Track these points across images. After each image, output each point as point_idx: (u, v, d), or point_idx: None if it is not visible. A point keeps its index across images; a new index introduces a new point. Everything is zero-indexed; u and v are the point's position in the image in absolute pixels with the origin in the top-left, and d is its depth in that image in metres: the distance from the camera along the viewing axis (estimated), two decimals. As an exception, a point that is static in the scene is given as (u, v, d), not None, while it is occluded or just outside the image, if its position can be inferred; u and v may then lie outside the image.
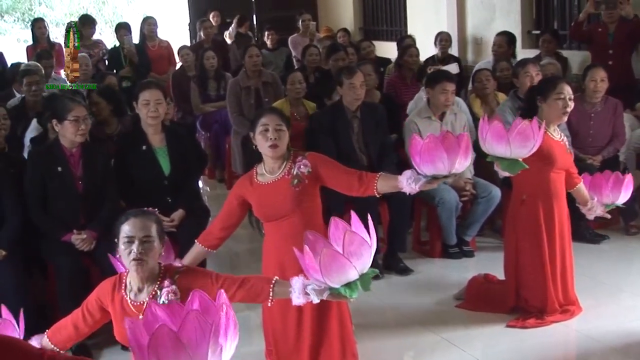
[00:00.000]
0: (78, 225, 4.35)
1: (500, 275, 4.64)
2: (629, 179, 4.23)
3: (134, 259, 2.88)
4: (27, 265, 4.33)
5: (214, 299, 2.56)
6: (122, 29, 8.84)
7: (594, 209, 4.30)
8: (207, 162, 6.21)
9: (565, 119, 4.41)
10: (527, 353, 4.06)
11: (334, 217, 2.94)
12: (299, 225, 3.57)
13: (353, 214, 2.87)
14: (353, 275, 2.78)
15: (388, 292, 4.95)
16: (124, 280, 3.02)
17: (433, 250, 5.58)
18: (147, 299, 2.92)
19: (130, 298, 2.96)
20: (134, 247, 2.89)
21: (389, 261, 5.30)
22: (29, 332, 4.05)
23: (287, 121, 3.67)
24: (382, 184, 3.49)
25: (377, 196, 3.69)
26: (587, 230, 5.58)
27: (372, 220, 5.45)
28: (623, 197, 4.26)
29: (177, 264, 3.60)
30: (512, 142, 3.74)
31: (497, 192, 5.47)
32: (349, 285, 2.78)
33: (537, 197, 4.31)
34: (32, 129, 5.49)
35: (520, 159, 3.83)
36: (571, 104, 4.31)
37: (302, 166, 3.60)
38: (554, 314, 4.36)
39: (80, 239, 4.29)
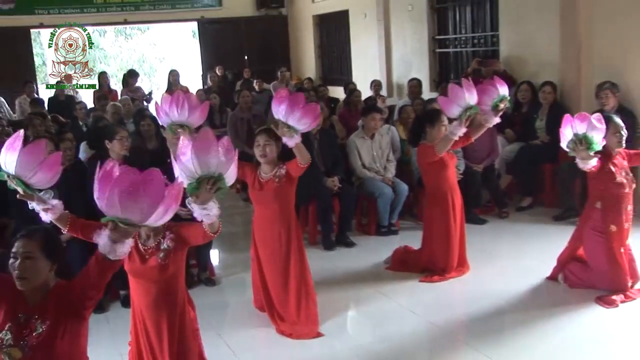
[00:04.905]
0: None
1: (416, 247, 4.65)
2: (497, 79, 3.98)
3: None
4: (91, 246, 4.21)
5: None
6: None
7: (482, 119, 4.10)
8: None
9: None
10: (436, 299, 4.10)
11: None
12: (277, 211, 3.64)
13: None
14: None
15: (339, 259, 4.94)
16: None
17: (370, 229, 5.57)
18: (153, 244, 2.79)
19: (140, 243, 2.81)
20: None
21: (339, 238, 5.28)
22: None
23: (276, 136, 3.64)
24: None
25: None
26: (473, 215, 5.60)
27: (328, 209, 5.36)
28: (504, 89, 3.96)
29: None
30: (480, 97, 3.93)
31: (404, 187, 5.48)
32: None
33: (445, 191, 4.36)
34: (82, 151, 5.46)
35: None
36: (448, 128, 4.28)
37: (282, 170, 3.69)
38: (452, 272, 4.39)
39: None
